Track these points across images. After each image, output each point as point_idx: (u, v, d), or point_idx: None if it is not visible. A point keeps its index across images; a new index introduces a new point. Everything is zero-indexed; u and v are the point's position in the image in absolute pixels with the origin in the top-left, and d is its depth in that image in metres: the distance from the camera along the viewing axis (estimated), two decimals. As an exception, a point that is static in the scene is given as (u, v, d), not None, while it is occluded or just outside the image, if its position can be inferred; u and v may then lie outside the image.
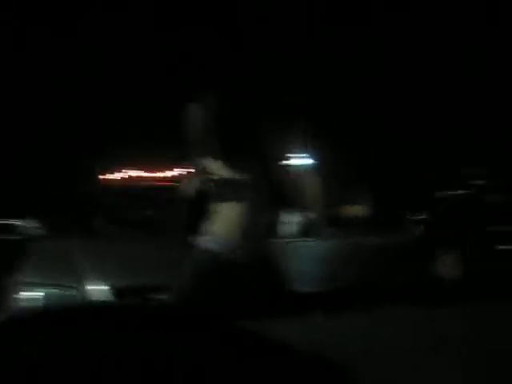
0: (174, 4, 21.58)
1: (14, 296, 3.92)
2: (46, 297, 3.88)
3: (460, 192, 13.93)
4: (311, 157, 23.47)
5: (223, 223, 2.78)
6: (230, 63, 20.62)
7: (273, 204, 2.94)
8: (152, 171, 9.50)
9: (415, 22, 21.56)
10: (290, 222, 3.27)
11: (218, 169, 2.82)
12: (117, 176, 9.12)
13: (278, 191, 2.96)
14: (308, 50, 22.11)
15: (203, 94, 2.80)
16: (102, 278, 3.98)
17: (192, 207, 2.90)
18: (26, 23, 22.36)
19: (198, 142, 2.82)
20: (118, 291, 3.87)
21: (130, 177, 9.04)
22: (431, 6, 21.59)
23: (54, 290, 3.89)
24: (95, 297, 3.81)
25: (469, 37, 21.35)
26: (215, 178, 2.81)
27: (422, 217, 12.60)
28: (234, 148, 2.84)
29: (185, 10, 22.15)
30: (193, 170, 2.85)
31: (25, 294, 3.89)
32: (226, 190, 2.79)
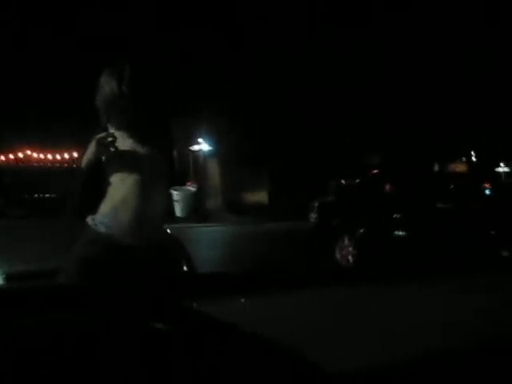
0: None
1: None
2: None
3: (357, 180, 14.49)
4: (212, 143, 23.49)
5: (115, 202, 2.67)
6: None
7: (171, 185, 2.85)
8: (49, 152, 9.15)
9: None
10: (183, 201, 3.09)
11: (119, 139, 2.69)
12: (17, 155, 8.70)
13: (179, 173, 2.90)
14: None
15: (119, 60, 2.68)
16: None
17: (87, 184, 2.74)
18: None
19: (104, 109, 2.70)
20: (8, 277, 3.71)
21: (26, 158, 8.65)
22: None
23: None
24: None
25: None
26: (113, 147, 2.65)
27: (319, 203, 13.02)
28: (142, 119, 2.73)
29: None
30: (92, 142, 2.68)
31: None
32: (122, 162, 2.66)
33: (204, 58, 21.79)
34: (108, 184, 2.69)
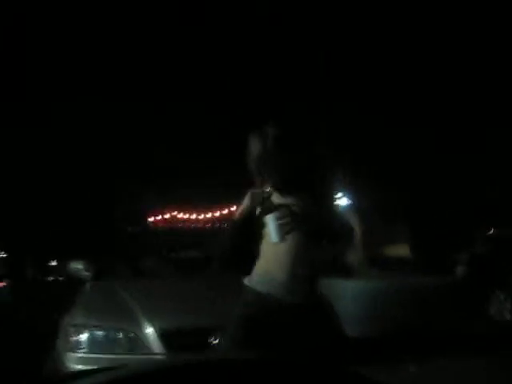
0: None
1: (69, 338, 3.89)
2: (103, 339, 3.84)
3: (507, 229, 13.59)
4: (348, 195, 23.34)
5: (271, 262, 2.67)
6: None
7: (326, 241, 2.80)
8: (196, 212, 9.56)
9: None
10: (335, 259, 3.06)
11: (274, 196, 2.73)
12: (163, 217, 9.19)
13: (331, 228, 2.83)
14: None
15: (263, 125, 2.76)
16: (152, 319, 3.92)
17: (237, 237, 2.79)
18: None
19: (255, 171, 2.76)
20: (167, 334, 3.81)
21: (176, 218, 9.10)
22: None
23: (110, 334, 3.85)
24: (149, 340, 3.76)
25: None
26: (272, 205, 2.70)
27: (467, 256, 12.29)
28: (292, 180, 2.76)
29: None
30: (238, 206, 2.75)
31: (80, 336, 3.86)
32: (281, 222, 2.67)
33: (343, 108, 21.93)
34: (261, 242, 2.71)
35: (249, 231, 2.75)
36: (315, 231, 2.67)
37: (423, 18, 21.13)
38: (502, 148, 21.87)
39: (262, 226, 2.72)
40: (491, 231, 16.41)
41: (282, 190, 2.73)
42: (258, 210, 2.72)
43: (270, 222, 2.61)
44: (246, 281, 2.71)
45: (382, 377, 0.80)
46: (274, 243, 2.65)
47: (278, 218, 2.60)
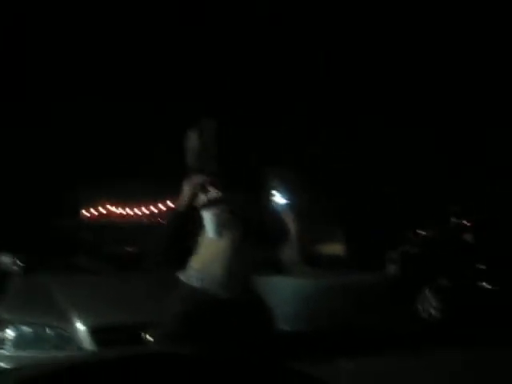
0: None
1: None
2: (30, 336, 3.74)
3: (436, 230, 14.03)
4: (284, 195, 23.59)
5: (208, 258, 2.68)
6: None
7: (260, 240, 2.82)
8: (132, 207, 9.41)
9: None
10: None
11: (213, 192, 2.73)
12: (97, 211, 9.01)
13: (268, 227, 2.85)
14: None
15: (202, 121, 2.76)
16: (82, 315, 3.85)
17: (176, 237, 2.78)
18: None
19: (192, 165, 2.76)
20: (97, 330, 3.75)
21: (111, 212, 8.94)
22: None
23: (38, 330, 3.75)
24: (79, 336, 3.69)
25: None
26: (211, 199, 2.70)
27: (400, 254, 12.65)
28: (232, 177, 2.77)
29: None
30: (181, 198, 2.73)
31: (5, 332, 3.74)
32: (220, 218, 2.67)
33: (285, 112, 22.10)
34: (197, 238, 2.72)
35: (189, 223, 2.75)
36: (252, 229, 2.68)
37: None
38: (433, 150, 22.61)
39: (200, 219, 2.72)
40: (422, 232, 16.96)
41: (220, 184, 2.74)
42: (198, 202, 2.71)
43: (209, 217, 2.61)
44: (181, 276, 2.70)
45: (315, 372, 0.82)
46: (210, 239, 2.65)
47: (216, 214, 2.61)
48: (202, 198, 2.69)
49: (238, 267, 2.66)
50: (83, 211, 9.13)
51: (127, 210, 9.98)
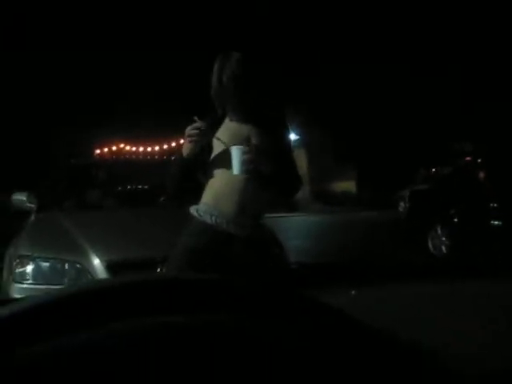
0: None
1: (14, 269, 3.86)
2: (49, 271, 3.82)
3: (447, 168, 13.98)
4: (296, 132, 23.44)
5: (221, 194, 2.69)
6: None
7: (277, 179, 2.80)
8: (144, 145, 9.41)
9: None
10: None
11: (230, 131, 2.72)
12: (111, 149, 9.01)
13: (286, 166, 2.82)
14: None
15: (220, 55, 2.71)
16: (98, 250, 3.92)
17: (186, 171, 2.77)
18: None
19: (215, 98, 2.74)
20: (114, 265, 3.81)
21: (125, 149, 8.93)
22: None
23: (57, 264, 3.83)
24: (95, 271, 3.76)
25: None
26: (200, 137, 2.68)
27: (410, 192, 12.65)
28: (253, 111, 2.75)
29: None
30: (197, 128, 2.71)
31: (25, 267, 3.83)
32: (247, 157, 2.64)
33: (294, 52, 21.75)
34: (208, 174, 2.71)
35: (195, 165, 2.74)
36: (269, 168, 2.67)
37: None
38: (445, 87, 22.23)
39: (210, 160, 2.71)
40: (433, 169, 16.89)
41: (241, 119, 2.73)
42: (218, 140, 2.70)
43: (236, 155, 2.58)
44: (193, 210, 2.71)
45: (323, 299, 0.84)
46: (225, 174, 2.65)
47: (244, 152, 2.58)
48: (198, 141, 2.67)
49: (251, 204, 2.66)
50: (96, 149, 9.18)
51: (140, 147, 10.00)
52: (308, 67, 22.24)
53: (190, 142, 2.66)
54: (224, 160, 2.64)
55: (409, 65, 22.09)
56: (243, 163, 2.56)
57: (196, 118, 2.68)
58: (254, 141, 2.68)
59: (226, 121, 2.76)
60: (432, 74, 22.06)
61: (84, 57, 21.99)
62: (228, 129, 2.73)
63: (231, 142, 2.65)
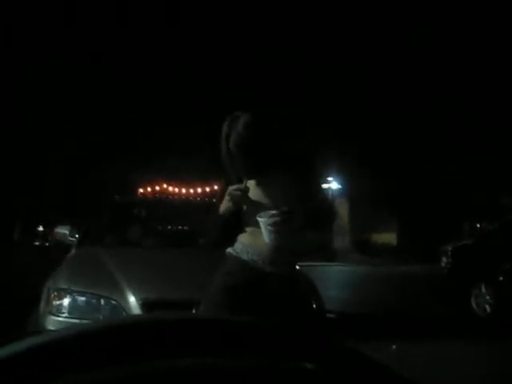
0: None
1: (51, 301, 3.88)
2: (85, 305, 3.83)
3: (494, 223, 13.64)
4: (339, 181, 23.36)
5: (253, 232, 2.68)
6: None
7: (313, 228, 2.77)
8: (189, 185, 9.49)
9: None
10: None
11: (251, 187, 2.71)
12: (154, 188, 9.12)
13: (320, 216, 2.80)
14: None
15: (235, 113, 2.72)
16: (134, 288, 3.91)
17: (227, 223, 2.78)
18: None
19: (229, 160, 2.74)
20: (149, 304, 3.79)
21: (166, 190, 9.02)
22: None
23: (92, 299, 3.83)
24: (130, 309, 3.75)
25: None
26: (244, 199, 2.69)
27: (453, 247, 12.35)
28: (267, 165, 2.73)
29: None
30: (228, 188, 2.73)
31: (62, 301, 3.84)
32: (256, 208, 2.65)
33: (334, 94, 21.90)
34: (244, 223, 2.73)
35: (233, 220, 2.77)
36: (299, 222, 2.65)
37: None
38: (493, 145, 21.92)
39: (246, 215, 2.73)
40: (478, 224, 16.53)
41: (257, 178, 2.72)
42: (245, 208, 2.72)
43: (263, 225, 2.60)
44: (230, 250, 2.72)
45: (366, 353, 0.79)
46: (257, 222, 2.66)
47: (269, 224, 2.58)
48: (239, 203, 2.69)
49: (285, 243, 2.64)
50: (140, 189, 9.34)
51: (182, 188, 10.12)
52: (354, 119, 22.32)
53: (230, 201, 2.67)
54: (255, 216, 2.64)
55: (457, 115, 21.92)
56: (271, 233, 2.57)
57: (246, 180, 2.70)
58: (278, 200, 2.66)
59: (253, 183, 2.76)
60: (482, 126, 21.82)
61: (138, 94, 22.63)
62: (255, 193, 2.72)
63: (259, 206, 2.64)
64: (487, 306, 8.65)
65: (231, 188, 2.67)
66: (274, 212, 2.56)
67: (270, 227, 2.56)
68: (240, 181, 2.74)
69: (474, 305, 8.83)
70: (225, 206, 2.71)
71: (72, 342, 0.68)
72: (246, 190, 2.66)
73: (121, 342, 0.69)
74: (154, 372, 0.68)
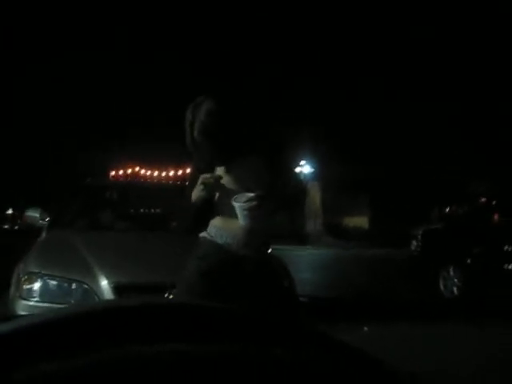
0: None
1: (22, 285, 3.84)
2: (56, 289, 3.80)
3: (462, 208, 13.89)
4: (311, 165, 23.45)
5: (226, 216, 2.69)
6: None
7: (283, 210, 2.80)
8: (161, 169, 9.45)
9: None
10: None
11: (228, 182, 2.70)
12: (126, 171, 9.04)
13: (290, 199, 2.83)
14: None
15: (197, 99, 2.70)
16: (106, 272, 3.89)
17: (199, 210, 2.77)
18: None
19: (194, 147, 2.73)
20: (121, 287, 3.78)
21: (138, 173, 8.96)
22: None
23: (64, 283, 3.81)
24: (102, 293, 3.73)
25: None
26: (217, 187, 2.68)
27: (423, 231, 12.53)
28: (237, 154, 2.73)
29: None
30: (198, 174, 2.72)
31: (33, 285, 3.81)
32: (229, 195, 2.65)
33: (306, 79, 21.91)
34: (216, 210, 2.73)
35: (205, 206, 2.75)
36: (273, 206, 2.67)
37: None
38: (462, 129, 22.20)
39: (219, 201, 2.72)
40: (447, 209, 16.80)
41: (223, 165, 2.72)
42: (217, 195, 2.71)
43: (238, 210, 2.60)
44: (204, 234, 2.72)
45: (336, 335, 0.81)
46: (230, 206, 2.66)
47: (245, 209, 2.58)
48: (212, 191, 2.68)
49: (259, 226, 2.66)
50: (111, 171, 9.24)
51: (154, 171, 10.08)
52: (326, 102, 22.37)
53: (203, 190, 2.65)
54: (229, 203, 2.64)
55: (427, 101, 22.13)
56: (246, 217, 2.58)
57: (218, 168, 2.69)
58: (251, 184, 2.66)
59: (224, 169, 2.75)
60: (451, 112, 22.06)
61: (110, 79, 22.36)
62: (226, 180, 2.71)
63: (231, 193, 2.64)
64: (455, 289, 8.82)
65: (204, 176, 2.66)
66: (250, 195, 2.57)
67: (245, 212, 2.57)
68: (208, 166, 2.73)
69: (441, 287, 9.01)
70: (197, 194, 2.69)
71: (40, 330, 0.68)
72: (219, 178, 2.65)
73: (91, 328, 0.69)
74: (124, 358, 0.68)
